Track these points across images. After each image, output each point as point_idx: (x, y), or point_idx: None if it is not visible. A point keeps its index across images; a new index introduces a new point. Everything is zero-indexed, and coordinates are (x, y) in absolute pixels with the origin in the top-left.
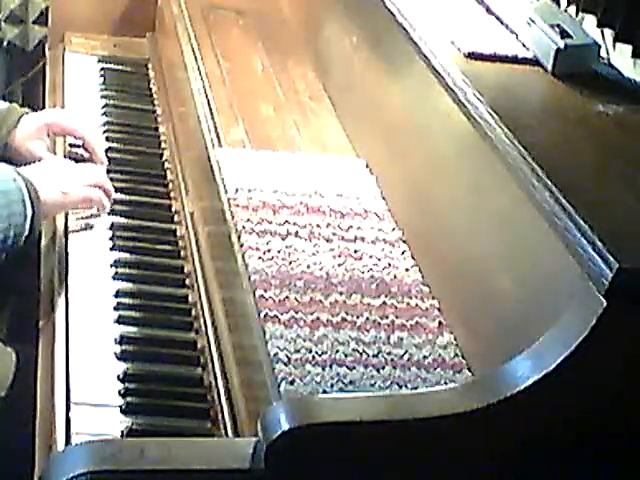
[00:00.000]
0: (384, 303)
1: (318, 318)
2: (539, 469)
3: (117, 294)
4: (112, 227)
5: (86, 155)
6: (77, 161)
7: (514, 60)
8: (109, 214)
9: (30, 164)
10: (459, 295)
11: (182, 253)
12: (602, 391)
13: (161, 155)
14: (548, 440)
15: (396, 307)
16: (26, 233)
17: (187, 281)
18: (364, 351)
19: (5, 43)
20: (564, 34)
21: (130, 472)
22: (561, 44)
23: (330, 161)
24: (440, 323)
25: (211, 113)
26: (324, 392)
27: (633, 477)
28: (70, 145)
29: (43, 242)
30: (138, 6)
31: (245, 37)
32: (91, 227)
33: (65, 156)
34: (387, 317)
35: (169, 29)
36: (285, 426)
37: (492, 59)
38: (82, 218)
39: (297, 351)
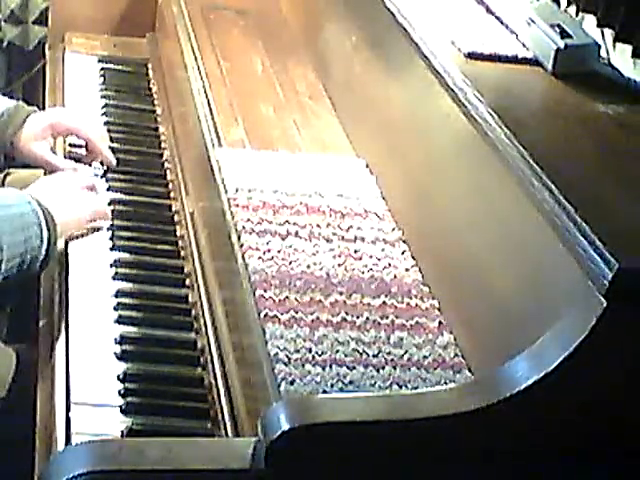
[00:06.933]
0: (384, 303)
1: (318, 318)
2: (539, 469)
3: (117, 294)
4: (112, 227)
5: (85, 158)
6: (77, 160)
7: (514, 60)
8: None
9: (30, 165)
10: (459, 295)
11: (182, 253)
12: (602, 391)
13: (161, 155)
14: (548, 440)
15: (396, 307)
16: (42, 257)
17: (187, 281)
18: (364, 351)
19: (5, 43)
20: (564, 34)
21: (130, 472)
22: (561, 44)
23: (330, 161)
24: (440, 323)
25: (211, 113)
26: (324, 392)
27: (633, 477)
28: (70, 145)
29: None
30: (138, 6)
31: (245, 37)
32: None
33: (65, 156)
34: (387, 317)
35: (169, 29)
36: (285, 426)
37: (492, 59)
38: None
39: (297, 351)
